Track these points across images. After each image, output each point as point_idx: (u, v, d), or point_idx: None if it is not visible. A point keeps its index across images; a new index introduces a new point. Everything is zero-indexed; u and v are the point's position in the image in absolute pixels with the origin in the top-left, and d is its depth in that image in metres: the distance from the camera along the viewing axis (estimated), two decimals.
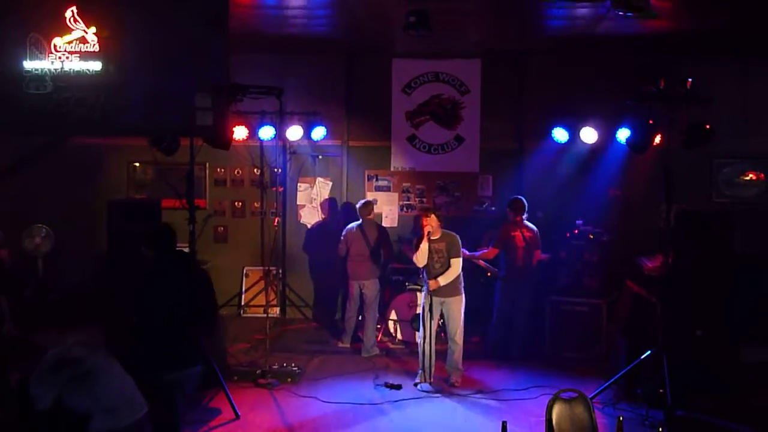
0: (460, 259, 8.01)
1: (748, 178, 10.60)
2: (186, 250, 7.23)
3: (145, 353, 5.36)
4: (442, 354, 8.18)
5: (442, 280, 7.89)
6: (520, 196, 9.22)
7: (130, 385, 4.53)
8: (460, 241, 8.10)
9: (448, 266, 7.94)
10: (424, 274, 8.14)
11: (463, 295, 8.10)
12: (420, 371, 8.04)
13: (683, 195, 7.99)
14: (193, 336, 5.59)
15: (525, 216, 9.13)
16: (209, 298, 5.81)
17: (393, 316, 9.62)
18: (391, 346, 9.59)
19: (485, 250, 9.15)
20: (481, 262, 9.43)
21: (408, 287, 9.63)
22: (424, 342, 7.96)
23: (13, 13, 6.67)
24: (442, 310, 8.05)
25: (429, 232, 7.89)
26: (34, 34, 6.68)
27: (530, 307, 9.10)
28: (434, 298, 7.97)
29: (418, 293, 9.33)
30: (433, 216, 7.95)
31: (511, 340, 9.10)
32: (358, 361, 8.98)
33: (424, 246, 7.91)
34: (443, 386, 7.98)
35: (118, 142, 10.68)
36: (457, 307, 8.02)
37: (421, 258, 7.95)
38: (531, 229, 9.11)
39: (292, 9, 8.58)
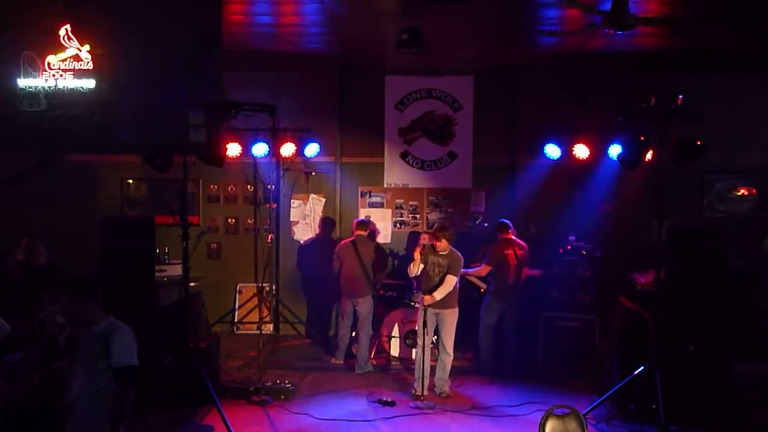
0: (455, 278, 8.10)
1: (739, 193, 10.65)
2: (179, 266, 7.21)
3: None
4: (432, 369, 8.24)
5: (438, 295, 7.98)
6: (504, 220, 9.34)
7: None
8: (462, 263, 8.23)
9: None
10: (417, 289, 8.21)
11: (458, 308, 8.22)
12: (415, 382, 8.08)
13: (675, 210, 8.04)
14: None
15: (514, 232, 9.18)
16: None
17: (386, 332, 9.60)
18: (385, 362, 9.58)
19: (478, 268, 9.15)
20: (473, 279, 9.43)
21: (408, 302, 9.59)
22: (421, 353, 8.04)
23: (7, 31, 6.71)
24: (436, 322, 8.14)
25: (423, 244, 8.17)
26: (28, 51, 6.71)
27: (520, 322, 9.13)
28: (429, 310, 8.04)
29: (412, 307, 9.32)
30: (444, 240, 8.06)
31: (502, 356, 9.11)
32: (351, 378, 8.96)
33: (416, 256, 8.09)
34: (437, 403, 7.98)
35: (112, 159, 10.68)
36: (451, 320, 8.15)
37: (413, 268, 8.12)
38: (522, 247, 9.16)
39: (285, 27, 8.63)
